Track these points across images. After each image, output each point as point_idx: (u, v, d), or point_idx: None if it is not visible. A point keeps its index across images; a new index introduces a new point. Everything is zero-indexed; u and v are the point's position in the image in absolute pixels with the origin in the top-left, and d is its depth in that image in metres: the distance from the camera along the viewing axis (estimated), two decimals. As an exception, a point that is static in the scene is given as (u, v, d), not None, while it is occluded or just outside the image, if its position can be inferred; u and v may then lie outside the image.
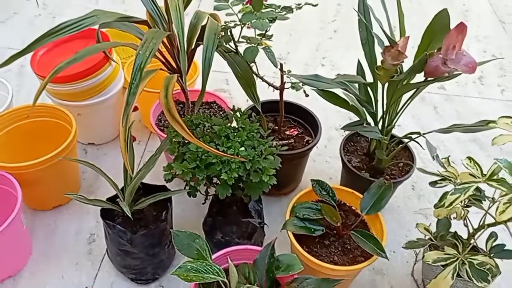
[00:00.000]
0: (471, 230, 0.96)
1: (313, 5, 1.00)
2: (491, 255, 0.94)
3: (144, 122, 1.51)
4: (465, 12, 2.17)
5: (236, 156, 0.93)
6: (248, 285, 0.83)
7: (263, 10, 0.95)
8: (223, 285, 0.79)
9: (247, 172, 0.94)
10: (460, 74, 0.91)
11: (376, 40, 1.04)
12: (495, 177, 0.86)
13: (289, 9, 0.98)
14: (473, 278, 0.89)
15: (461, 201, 0.84)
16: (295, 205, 1.04)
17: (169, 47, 1.02)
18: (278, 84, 1.12)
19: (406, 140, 1.15)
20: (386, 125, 1.12)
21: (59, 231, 1.21)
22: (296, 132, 1.25)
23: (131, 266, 1.07)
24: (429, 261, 0.93)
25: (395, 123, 1.12)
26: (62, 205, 1.27)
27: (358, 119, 1.14)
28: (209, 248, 0.84)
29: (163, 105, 0.87)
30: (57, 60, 0.98)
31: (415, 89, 1.06)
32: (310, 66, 1.82)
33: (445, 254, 0.94)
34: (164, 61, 1.04)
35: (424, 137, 1.04)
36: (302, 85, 1.07)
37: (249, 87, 1.08)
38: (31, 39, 0.88)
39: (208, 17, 0.97)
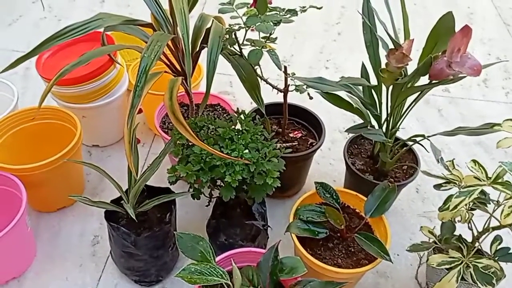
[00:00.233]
0: (475, 233, 0.96)
1: (317, 8, 1.00)
2: (496, 258, 0.94)
3: (149, 125, 1.51)
4: (470, 15, 2.16)
5: (240, 159, 0.93)
6: (252, 288, 0.83)
7: (267, 13, 0.95)
8: (226, 288, 0.79)
9: (251, 175, 0.94)
10: (464, 77, 0.91)
11: (380, 43, 1.04)
12: (500, 180, 0.86)
13: (293, 12, 0.98)
14: (477, 282, 0.89)
15: (466, 204, 0.84)
16: (299, 207, 1.04)
17: (173, 49, 1.02)
18: (282, 86, 1.12)
19: (411, 143, 1.14)
20: (390, 127, 1.12)
21: (64, 232, 1.22)
22: (300, 135, 1.25)
23: (135, 268, 1.07)
24: (433, 264, 0.93)
25: (399, 125, 1.12)
26: (66, 207, 1.27)
27: (362, 121, 1.14)
28: (213, 251, 0.84)
29: (168, 107, 0.87)
30: (62, 63, 0.99)
31: (419, 92, 1.06)
32: (314, 69, 1.82)
33: (450, 257, 0.93)
34: (168, 63, 1.04)
35: (429, 140, 1.04)
36: (306, 87, 1.07)
37: (253, 90, 1.08)
38: (37, 42, 0.88)
39: (213, 20, 0.97)
